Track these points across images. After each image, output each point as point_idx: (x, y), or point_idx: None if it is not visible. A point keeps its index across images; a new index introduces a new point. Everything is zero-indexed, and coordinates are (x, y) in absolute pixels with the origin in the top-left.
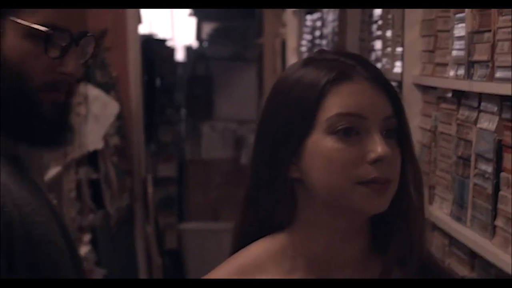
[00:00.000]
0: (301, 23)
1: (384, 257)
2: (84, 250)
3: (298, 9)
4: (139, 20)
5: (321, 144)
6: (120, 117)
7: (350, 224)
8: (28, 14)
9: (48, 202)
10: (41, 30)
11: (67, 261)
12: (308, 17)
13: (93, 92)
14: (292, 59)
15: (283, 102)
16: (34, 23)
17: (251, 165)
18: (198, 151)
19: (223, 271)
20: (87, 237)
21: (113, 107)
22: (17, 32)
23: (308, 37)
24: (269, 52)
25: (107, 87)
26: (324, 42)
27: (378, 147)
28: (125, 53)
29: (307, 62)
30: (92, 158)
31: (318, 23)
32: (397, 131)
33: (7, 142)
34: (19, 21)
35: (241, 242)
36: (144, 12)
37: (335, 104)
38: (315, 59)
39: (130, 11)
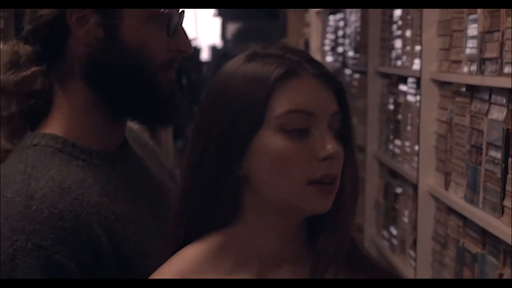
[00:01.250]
0: (324, 23)
1: (316, 251)
2: None
3: (321, 10)
4: None
5: (271, 142)
6: None
7: (292, 222)
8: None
9: (159, 189)
10: (160, 13)
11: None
12: (331, 17)
13: None
14: (315, 58)
15: (229, 97)
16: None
17: (191, 161)
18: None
19: (161, 277)
20: None
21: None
22: (136, 18)
23: (331, 36)
24: None
25: None
26: (347, 41)
27: (329, 145)
28: None
29: (252, 57)
30: None
31: (341, 23)
32: (341, 127)
33: (106, 135)
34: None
35: (177, 242)
36: None
37: (284, 100)
38: (259, 54)
39: None
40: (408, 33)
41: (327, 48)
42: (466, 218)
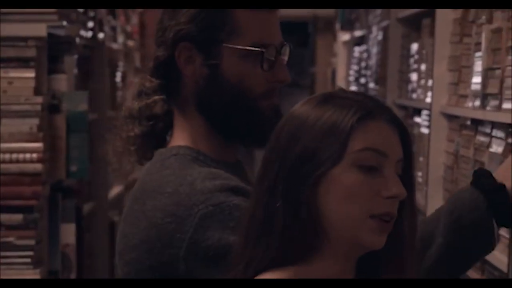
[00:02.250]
0: (350, 54)
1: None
2: None
3: (348, 40)
4: None
5: (345, 175)
6: None
7: (353, 255)
8: (239, 39)
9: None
10: (254, 50)
11: None
12: (356, 48)
13: None
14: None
15: (310, 133)
16: (246, 45)
17: (267, 195)
18: (251, 174)
19: None
20: None
21: None
22: (234, 56)
23: (355, 67)
24: (321, 80)
25: None
26: (368, 72)
27: (394, 185)
28: None
29: (328, 99)
30: None
31: (364, 55)
32: (403, 174)
33: (225, 153)
34: (235, 46)
35: (246, 271)
36: None
37: (362, 139)
38: (337, 96)
39: None
40: (423, 67)
41: (351, 78)
42: None
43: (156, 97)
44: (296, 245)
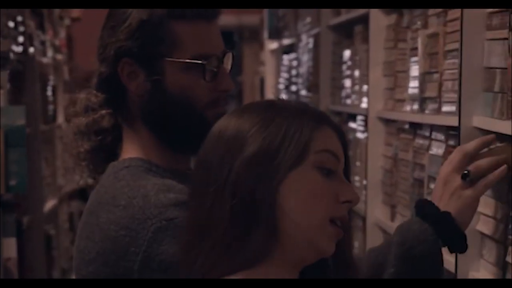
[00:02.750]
0: (279, 62)
1: None
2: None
3: (275, 49)
4: None
5: (308, 176)
6: None
7: (301, 264)
8: (180, 52)
9: None
10: (195, 63)
11: None
12: (285, 56)
13: None
14: (270, 95)
15: (267, 135)
16: (188, 58)
17: (211, 198)
18: None
19: None
20: None
21: None
22: (176, 69)
23: (285, 75)
24: (249, 88)
25: None
26: (300, 80)
27: (351, 190)
28: None
29: (273, 105)
30: (83, 192)
31: (294, 63)
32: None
33: (175, 162)
34: (176, 60)
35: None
36: None
37: (321, 142)
38: (283, 103)
39: None
40: (356, 73)
41: (281, 86)
42: None
43: (103, 112)
44: (245, 250)
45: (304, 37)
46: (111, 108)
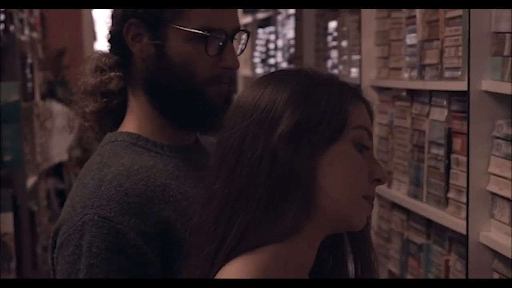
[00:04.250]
0: (253, 36)
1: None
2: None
3: (249, 23)
4: (94, 38)
5: (346, 151)
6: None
7: (326, 234)
8: (186, 20)
9: None
10: (200, 33)
11: None
12: (260, 30)
13: (56, 107)
14: (244, 70)
15: (306, 107)
16: (193, 28)
17: (245, 170)
18: None
19: None
20: None
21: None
22: (179, 37)
23: (261, 49)
24: None
25: (69, 102)
26: (279, 53)
27: (381, 168)
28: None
29: (309, 75)
30: (58, 170)
31: (272, 36)
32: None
33: (177, 136)
34: (180, 27)
35: (218, 250)
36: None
37: (357, 117)
38: (319, 73)
39: (86, 31)
40: (344, 43)
41: (257, 60)
42: (409, 212)
43: (112, 74)
44: (279, 225)
45: (283, 10)
46: (120, 71)
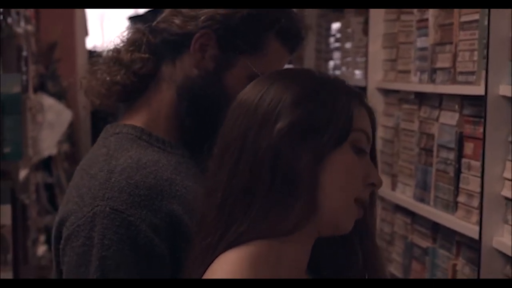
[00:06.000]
0: None
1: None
2: (41, 250)
3: None
4: (86, 33)
5: (348, 155)
6: (69, 125)
7: (316, 238)
8: (256, 61)
9: None
10: (257, 75)
11: None
12: None
13: (47, 101)
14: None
15: (320, 106)
16: (259, 71)
17: (250, 168)
18: None
19: None
20: (43, 238)
21: (67, 115)
22: (243, 71)
23: None
24: None
25: (59, 96)
26: None
27: (376, 173)
28: (74, 64)
29: (315, 76)
30: (47, 164)
31: None
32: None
33: (178, 135)
34: (249, 64)
35: (220, 241)
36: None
37: (358, 120)
38: (324, 75)
39: (78, 25)
40: (347, 45)
41: None
42: (414, 215)
43: (148, 56)
44: (282, 223)
45: None
46: (158, 57)
